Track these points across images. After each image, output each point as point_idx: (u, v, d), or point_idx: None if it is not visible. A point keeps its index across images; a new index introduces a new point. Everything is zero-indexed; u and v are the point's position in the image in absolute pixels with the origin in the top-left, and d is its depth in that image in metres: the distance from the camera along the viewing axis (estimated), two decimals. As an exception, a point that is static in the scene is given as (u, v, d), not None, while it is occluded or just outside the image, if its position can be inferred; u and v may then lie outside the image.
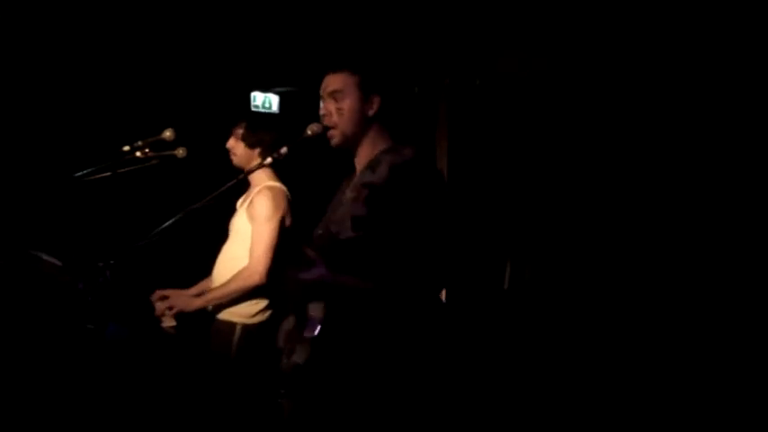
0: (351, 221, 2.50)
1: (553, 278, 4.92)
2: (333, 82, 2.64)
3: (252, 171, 3.53)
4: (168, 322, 3.78)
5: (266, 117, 3.99)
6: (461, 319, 4.89)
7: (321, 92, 2.67)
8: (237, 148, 3.93)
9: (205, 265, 4.09)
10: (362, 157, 2.66)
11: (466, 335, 4.73)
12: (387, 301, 2.42)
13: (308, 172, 4.51)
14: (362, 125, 2.64)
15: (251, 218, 3.85)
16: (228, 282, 3.81)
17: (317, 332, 2.51)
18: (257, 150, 3.90)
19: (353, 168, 2.73)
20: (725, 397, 4.24)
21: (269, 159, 2.96)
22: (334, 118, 2.63)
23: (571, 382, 4.56)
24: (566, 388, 4.54)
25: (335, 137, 2.65)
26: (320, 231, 2.67)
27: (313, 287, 2.40)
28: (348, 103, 2.62)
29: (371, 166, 2.60)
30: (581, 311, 4.77)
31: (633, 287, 4.71)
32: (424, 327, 2.48)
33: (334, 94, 2.63)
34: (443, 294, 5.18)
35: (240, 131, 3.91)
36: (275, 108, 5.72)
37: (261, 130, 3.92)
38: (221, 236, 4.23)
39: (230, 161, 3.96)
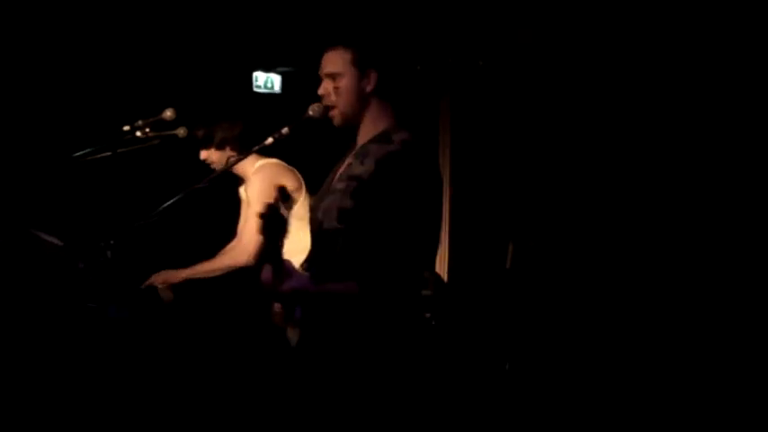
0: (337, 212, 2.53)
1: (556, 259, 4.91)
2: (329, 60, 2.61)
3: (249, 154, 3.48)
4: (164, 294, 3.82)
5: (217, 110, 3.91)
6: (464, 299, 4.89)
7: (320, 71, 2.65)
8: (211, 156, 3.88)
9: (205, 245, 4.09)
10: (363, 135, 2.64)
11: (468, 314, 4.73)
12: (370, 301, 2.45)
13: (313, 151, 4.49)
14: (361, 102, 2.61)
15: (247, 202, 3.87)
16: (218, 258, 3.85)
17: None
18: (228, 147, 3.85)
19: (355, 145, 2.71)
20: (721, 386, 4.24)
21: (269, 140, 2.83)
22: (333, 98, 2.61)
23: (573, 366, 4.56)
24: (567, 372, 4.54)
25: (336, 117, 2.63)
26: (312, 205, 2.71)
27: (292, 296, 2.43)
28: (345, 82, 2.58)
29: (361, 155, 2.59)
30: (583, 293, 4.76)
31: (635, 272, 4.70)
32: (405, 321, 2.50)
33: (331, 74, 2.60)
34: (445, 276, 5.21)
35: (202, 139, 3.85)
36: (278, 88, 5.69)
37: (216, 126, 3.86)
38: (222, 216, 4.23)
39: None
